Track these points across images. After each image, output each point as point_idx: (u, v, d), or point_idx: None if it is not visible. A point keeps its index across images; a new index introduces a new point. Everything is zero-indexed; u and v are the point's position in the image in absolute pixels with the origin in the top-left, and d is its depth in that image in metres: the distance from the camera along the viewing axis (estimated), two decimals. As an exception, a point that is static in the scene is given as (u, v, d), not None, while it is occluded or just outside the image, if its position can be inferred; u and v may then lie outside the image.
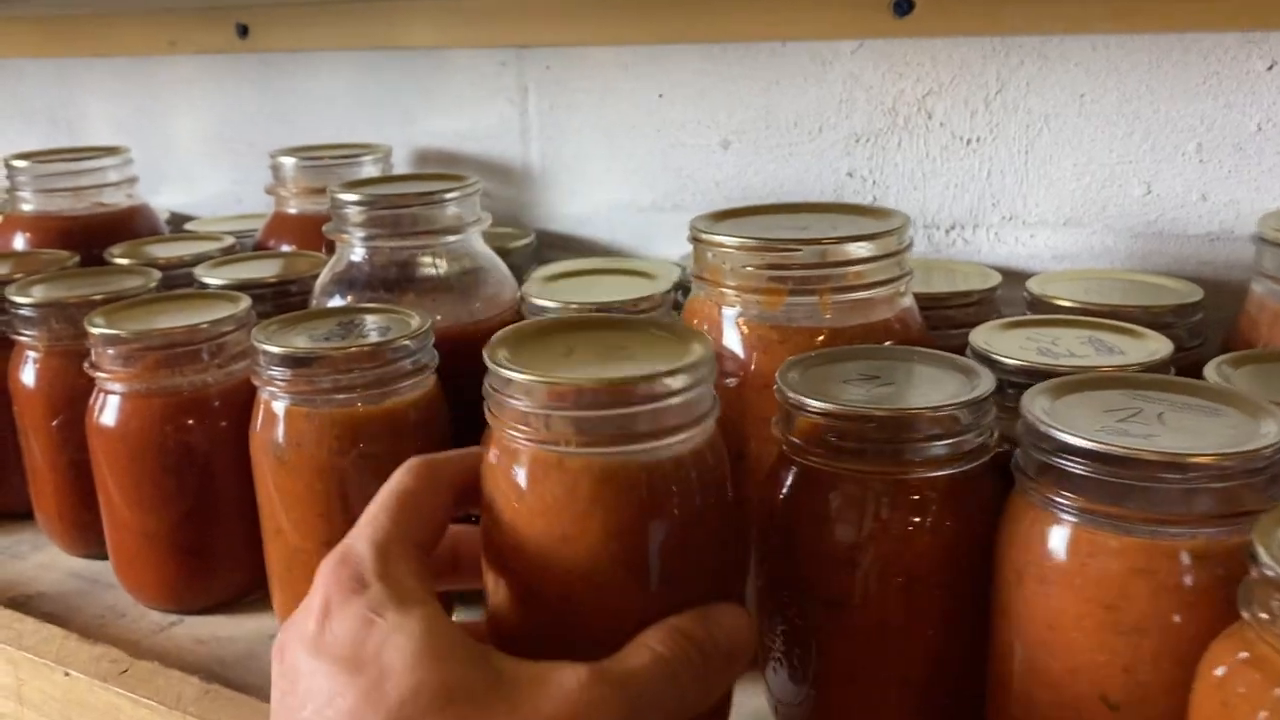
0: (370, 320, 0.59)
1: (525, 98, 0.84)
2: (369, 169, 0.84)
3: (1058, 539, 0.39)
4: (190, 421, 0.61)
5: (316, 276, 0.71)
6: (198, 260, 0.77)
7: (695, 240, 0.55)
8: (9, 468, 0.75)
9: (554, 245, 0.85)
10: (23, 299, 0.67)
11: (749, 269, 0.52)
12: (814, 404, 0.44)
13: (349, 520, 0.54)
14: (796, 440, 0.46)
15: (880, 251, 0.52)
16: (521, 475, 0.41)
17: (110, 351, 0.60)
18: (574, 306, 0.62)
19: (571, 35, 0.80)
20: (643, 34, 0.78)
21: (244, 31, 0.94)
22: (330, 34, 0.91)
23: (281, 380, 0.55)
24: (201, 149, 1.04)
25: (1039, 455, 0.41)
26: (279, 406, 0.55)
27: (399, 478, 0.44)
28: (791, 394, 0.45)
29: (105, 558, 0.69)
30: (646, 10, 0.77)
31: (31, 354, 0.68)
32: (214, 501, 0.62)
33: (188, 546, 0.62)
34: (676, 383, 0.40)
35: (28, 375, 0.68)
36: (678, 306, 0.67)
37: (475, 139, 0.87)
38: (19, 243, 0.86)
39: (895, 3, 0.66)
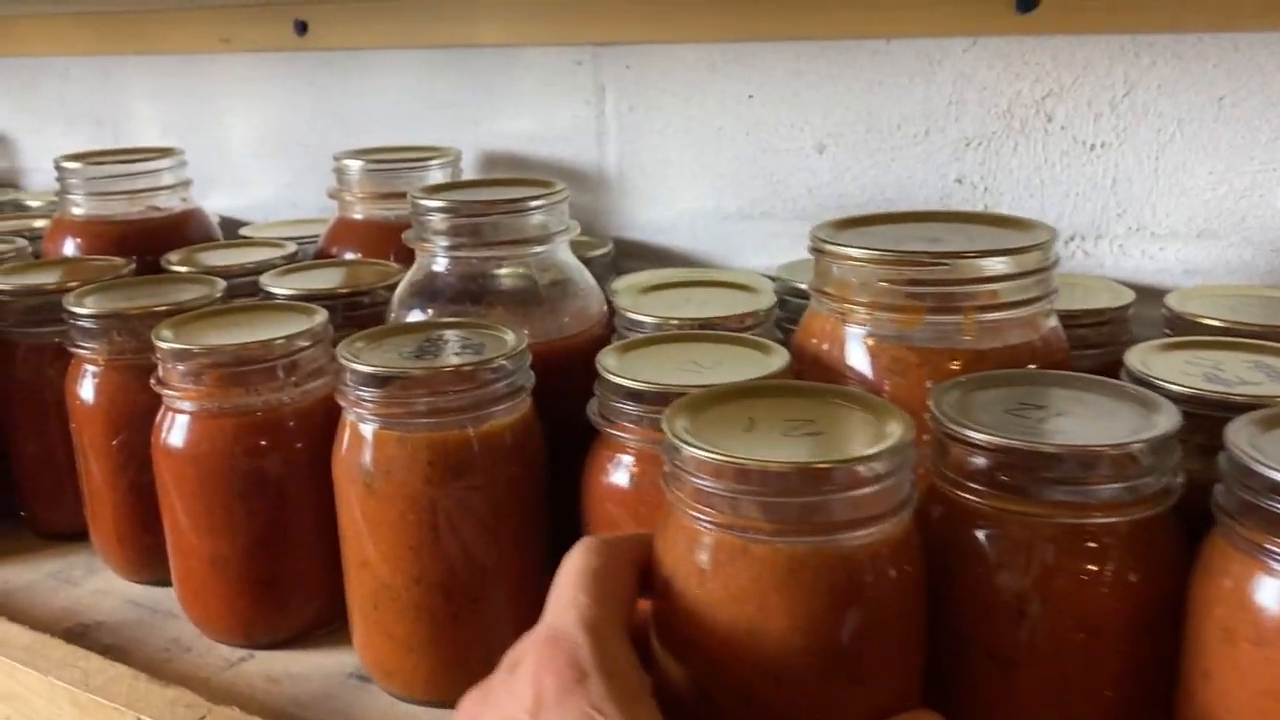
0: (460, 336, 0.56)
1: (602, 98, 0.80)
2: (437, 173, 0.80)
3: (1276, 593, 0.35)
4: (264, 443, 0.57)
5: (389, 286, 0.68)
6: (261, 268, 0.73)
7: (818, 251, 0.51)
8: (62, 485, 0.71)
9: (630, 254, 0.81)
10: (82, 309, 0.63)
11: (883, 284, 0.48)
12: (977, 435, 0.40)
13: (441, 554, 0.51)
14: (951, 474, 0.42)
15: (1027, 267, 0.48)
16: (703, 560, 0.38)
17: (180, 368, 0.57)
18: (674, 323, 0.58)
19: (656, 33, 0.76)
20: (733, 32, 0.74)
21: (303, 29, 0.90)
22: (394, 31, 0.87)
23: (371, 401, 0.51)
24: (253, 151, 1.00)
25: (1248, 496, 0.36)
26: (367, 429, 0.52)
27: (583, 557, 0.40)
28: (950, 423, 0.41)
29: (165, 584, 0.66)
30: (737, 7, 0.73)
31: (90, 368, 0.64)
32: (287, 529, 0.58)
33: (259, 576, 0.58)
34: (876, 469, 0.36)
35: (86, 390, 0.64)
36: (780, 324, 0.63)
37: (547, 141, 0.83)
38: (69, 248, 0.82)
39: (1019, -3, 0.62)
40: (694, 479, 0.38)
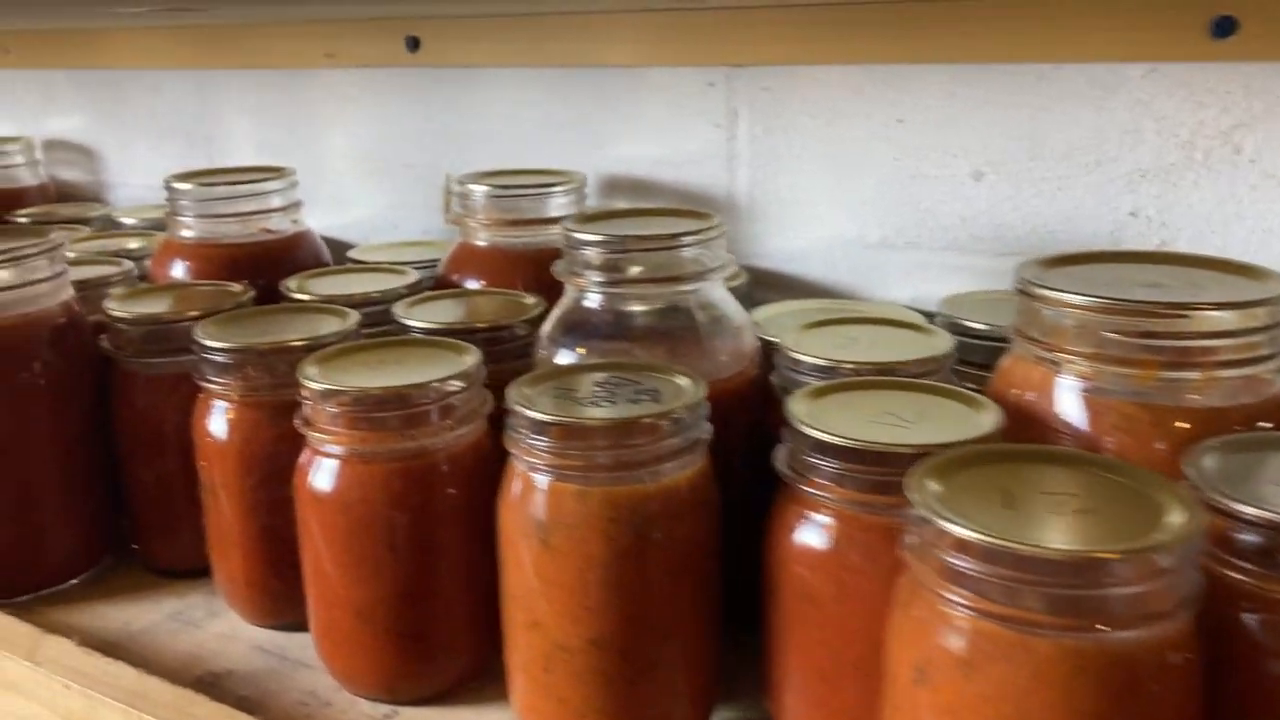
0: (628, 379, 0.53)
1: (735, 121, 0.77)
2: (561, 199, 0.77)
3: None
4: (416, 490, 0.54)
5: (529, 320, 0.65)
6: (387, 298, 0.71)
7: (1025, 294, 0.48)
8: (178, 520, 0.69)
9: (761, 283, 0.78)
10: (215, 343, 0.61)
11: (1112, 335, 0.45)
12: (1253, 511, 0.37)
13: (621, 615, 0.48)
14: (1216, 550, 0.38)
15: (1267, 321, 0.45)
16: (962, 648, 0.35)
17: (330, 409, 0.54)
18: (850, 367, 0.55)
19: (797, 54, 0.73)
20: (881, 53, 0.71)
21: (415, 44, 0.88)
22: (513, 49, 0.85)
23: (547, 451, 0.48)
24: (353, 169, 0.98)
25: None
26: (541, 481, 0.49)
27: None
28: (1224, 497, 0.38)
29: (291, 629, 0.64)
30: (887, 27, 0.70)
31: (222, 403, 0.62)
32: (437, 580, 0.56)
33: (407, 629, 0.56)
34: (1169, 558, 0.33)
35: (218, 426, 0.62)
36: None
37: (673, 165, 0.81)
38: (178, 271, 0.80)
39: (1215, 23, 0.58)
40: (956, 560, 0.35)
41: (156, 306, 0.71)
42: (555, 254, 0.76)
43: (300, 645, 0.62)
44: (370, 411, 0.54)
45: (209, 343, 0.61)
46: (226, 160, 1.07)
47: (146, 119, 1.12)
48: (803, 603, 0.47)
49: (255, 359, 0.61)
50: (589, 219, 0.63)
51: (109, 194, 1.19)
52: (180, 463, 0.68)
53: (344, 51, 0.93)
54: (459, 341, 0.59)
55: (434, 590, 0.56)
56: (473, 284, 0.76)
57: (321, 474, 0.55)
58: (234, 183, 0.80)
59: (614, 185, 0.83)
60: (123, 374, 0.69)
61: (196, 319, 0.67)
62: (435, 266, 0.81)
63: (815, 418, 0.48)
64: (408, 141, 0.94)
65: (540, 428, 0.48)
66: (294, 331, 0.63)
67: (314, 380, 0.55)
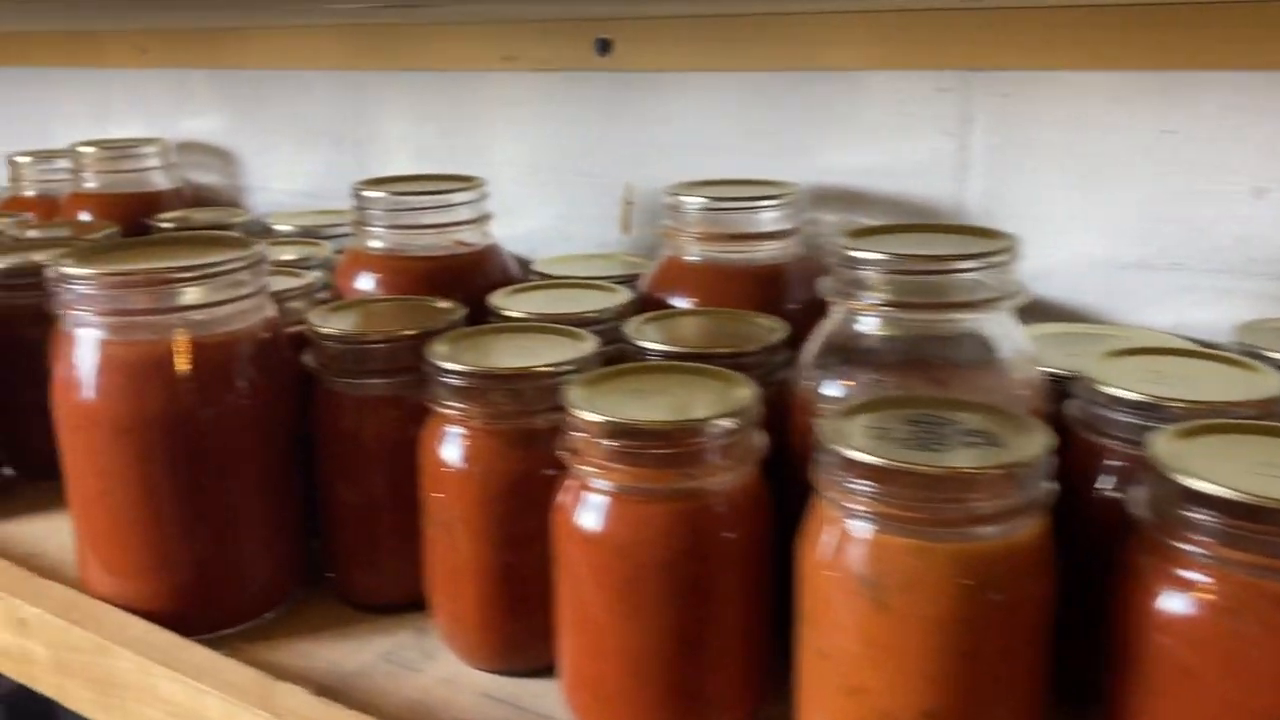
0: (946, 417, 0.48)
1: (968, 129, 0.73)
2: (773, 214, 0.73)
3: None
4: (698, 532, 0.50)
5: (770, 346, 0.61)
6: (607, 317, 0.67)
7: None
8: (383, 550, 0.66)
9: (991, 305, 0.73)
10: (453, 365, 0.57)
11: None
12: None
13: (966, 685, 0.44)
14: None
15: None
16: None
17: (607, 443, 0.50)
18: (1180, 406, 0.50)
19: (1045, 58, 0.69)
20: (1144, 59, 0.66)
21: (605, 47, 0.84)
22: (715, 52, 0.80)
23: (878, 499, 0.44)
24: (522, 178, 0.94)
25: None
26: (863, 530, 0.44)
27: None
28: None
29: (522, 675, 0.59)
30: (1154, 29, 0.65)
31: (457, 429, 0.58)
32: (718, 631, 0.51)
33: (684, 684, 0.51)
34: None
35: (455, 454, 0.58)
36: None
37: (893, 176, 0.76)
38: (365, 283, 0.76)
39: None
40: None
41: (361, 322, 0.67)
42: (773, 271, 0.73)
43: (533, 693, 0.58)
44: (653, 447, 0.49)
45: (445, 364, 0.57)
46: (378, 167, 1.03)
47: (291, 121, 1.09)
48: (1173, 678, 0.42)
49: (500, 383, 0.57)
50: (863, 234, 0.58)
51: (246, 199, 1.16)
52: (388, 489, 0.65)
53: (525, 54, 0.89)
54: (723, 370, 0.55)
55: (712, 642, 0.51)
56: (681, 302, 0.72)
57: (592, 512, 0.51)
58: (428, 192, 0.77)
59: (822, 197, 0.79)
60: (326, 393, 0.66)
61: (415, 338, 0.63)
62: (628, 282, 0.77)
63: (1188, 464, 0.43)
64: (585, 149, 0.90)
65: (868, 472, 0.44)
66: (531, 354, 0.59)
67: (587, 410, 0.50)
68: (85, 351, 0.61)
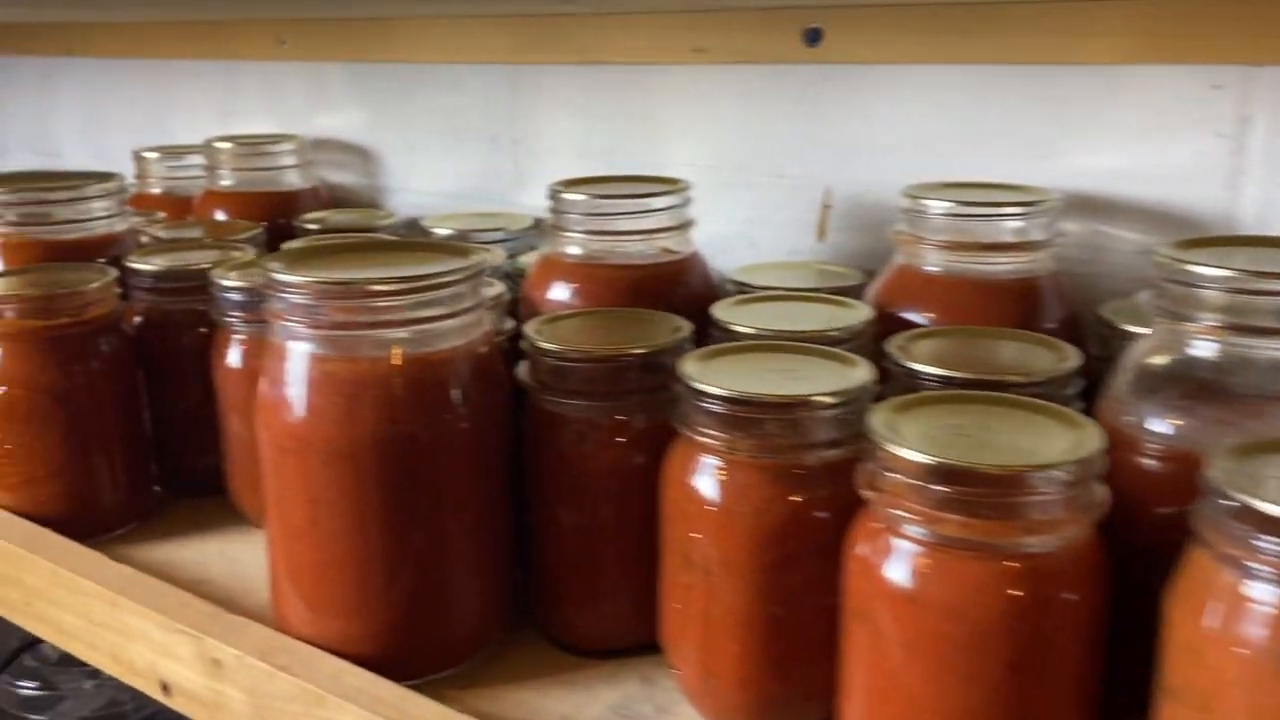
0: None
1: (1246, 130, 0.66)
2: (1027, 222, 0.66)
3: None
4: (1038, 594, 0.44)
5: (1068, 373, 0.55)
6: (851, 335, 0.61)
7: None
8: (606, 588, 0.61)
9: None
10: (717, 389, 0.51)
11: None
12: None
13: None
14: None
15: None
16: None
17: (935, 489, 0.44)
18: None
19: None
20: None
21: (815, 37, 0.78)
22: (940, 44, 0.74)
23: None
24: (703, 179, 0.88)
25: None
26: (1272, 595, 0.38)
27: None
28: None
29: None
30: None
31: (716, 461, 0.52)
32: (1051, 705, 0.45)
33: (1010, 767, 0.45)
34: None
35: (714, 489, 0.52)
36: None
37: (1150, 181, 0.69)
38: (560, 293, 0.71)
39: None
40: None
41: (580, 336, 0.62)
42: (1025, 286, 0.66)
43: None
44: (994, 495, 0.43)
45: (708, 388, 0.52)
46: (536, 167, 0.98)
47: (439, 118, 1.04)
48: None
49: (777, 413, 0.51)
50: (1191, 245, 0.51)
51: (384, 200, 1.11)
52: (614, 521, 0.59)
53: (718, 45, 0.83)
54: (1046, 404, 0.49)
55: (1045, 716, 0.45)
56: (917, 317, 0.66)
57: (909, 565, 0.45)
58: (633, 195, 0.71)
59: (1065, 204, 0.72)
60: (542, 413, 0.60)
61: (647, 355, 0.58)
62: (845, 293, 0.71)
63: None
64: (780, 149, 0.84)
65: (1289, 531, 0.37)
66: (798, 378, 0.53)
67: (909, 449, 0.44)
68: (297, 367, 0.56)
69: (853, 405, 0.51)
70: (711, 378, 0.53)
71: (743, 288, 0.73)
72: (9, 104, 1.48)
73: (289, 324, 0.56)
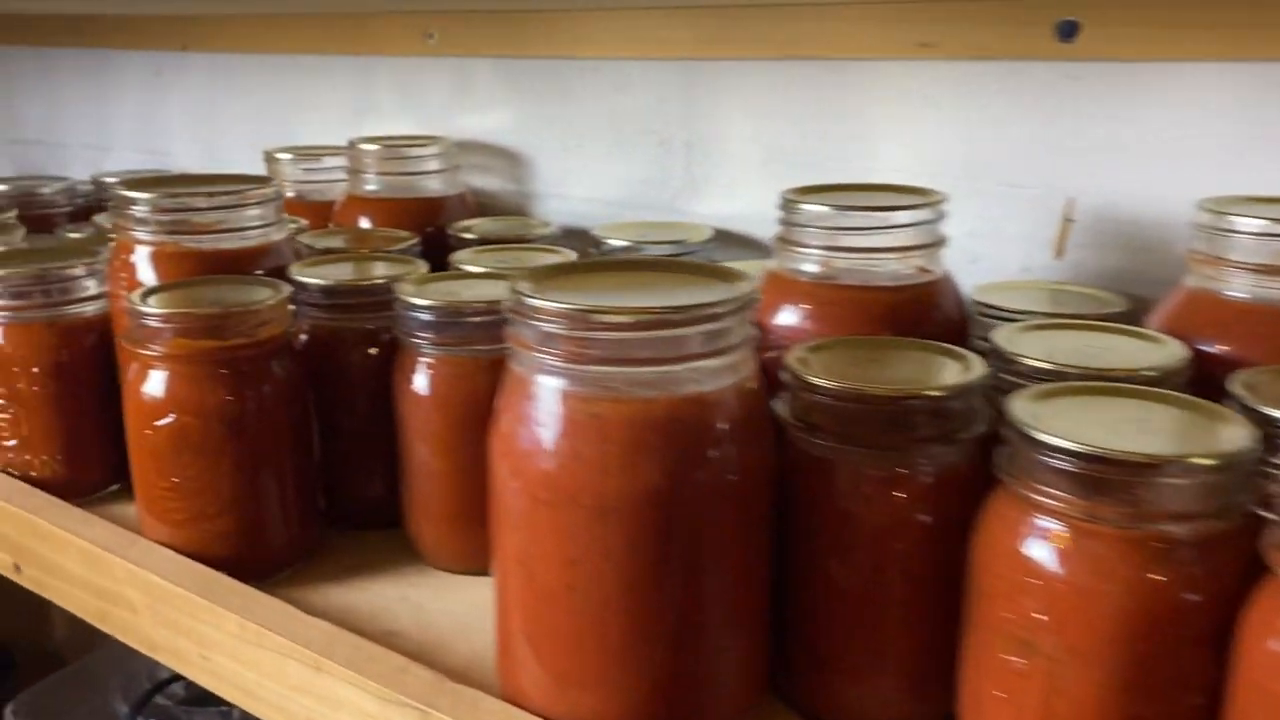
0: None
1: None
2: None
3: None
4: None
5: None
6: (1170, 374, 0.53)
7: None
8: (885, 657, 0.54)
9: None
10: (1069, 443, 0.44)
11: None
12: None
13: None
14: None
15: None
16: None
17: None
18: None
19: None
20: None
21: (1070, 31, 0.70)
22: (1219, 38, 0.66)
23: None
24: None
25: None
26: None
27: None
28: None
29: None
30: None
31: (1055, 525, 0.45)
32: None
33: None
34: None
35: (1052, 557, 0.45)
36: None
37: None
38: (792, 318, 0.64)
39: None
40: None
41: (852, 371, 0.55)
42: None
43: None
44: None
45: (1063, 443, 0.44)
46: (714, 171, 0.91)
47: (600, 118, 0.97)
48: None
49: (1140, 475, 0.43)
50: None
51: (533, 206, 1.04)
52: (901, 584, 0.52)
53: (948, 40, 0.75)
54: None
55: None
56: (1221, 349, 0.58)
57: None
58: (884, 207, 0.63)
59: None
60: (810, 458, 0.53)
61: (943, 396, 0.51)
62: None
63: None
64: (1015, 155, 0.76)
65: None
66: (1151, 430, 0.46)
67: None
68: (552, 407, 0.49)
69: (1235, 469, 0.43)
70: (1058, 427, 0.45)
71: (999, 313, 0.66)
72: (117, 101, 1.43)
73: (541, 356, 0.49)
